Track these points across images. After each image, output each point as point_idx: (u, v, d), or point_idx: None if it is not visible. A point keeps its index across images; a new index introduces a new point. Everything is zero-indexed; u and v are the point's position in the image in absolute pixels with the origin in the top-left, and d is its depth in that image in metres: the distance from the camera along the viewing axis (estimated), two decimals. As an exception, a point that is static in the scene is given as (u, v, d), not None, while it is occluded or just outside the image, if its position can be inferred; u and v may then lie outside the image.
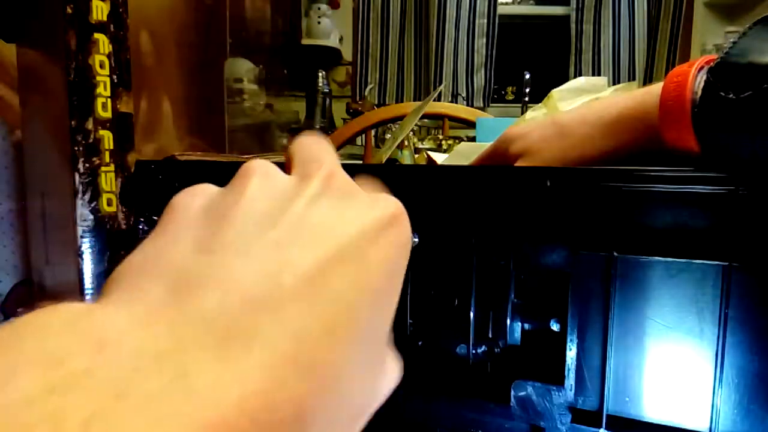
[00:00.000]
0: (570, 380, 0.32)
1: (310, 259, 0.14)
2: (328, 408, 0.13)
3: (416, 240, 0.34)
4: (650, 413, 0.31)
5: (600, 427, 0.31)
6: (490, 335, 0.35)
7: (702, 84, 0.29)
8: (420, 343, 0.36)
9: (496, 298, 0.34)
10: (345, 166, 0.19)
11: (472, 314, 0.35)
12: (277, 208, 0.16)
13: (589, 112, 0.37)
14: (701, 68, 0.30)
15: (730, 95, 0.27)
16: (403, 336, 0.36)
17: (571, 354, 0.32)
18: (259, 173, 0.17)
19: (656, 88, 0.32)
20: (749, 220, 0.28)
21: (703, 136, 0.29)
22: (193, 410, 0.10)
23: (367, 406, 0.16)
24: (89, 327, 0.11)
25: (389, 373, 0.18)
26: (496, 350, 0.35)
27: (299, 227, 0.15)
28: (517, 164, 0.39)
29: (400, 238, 0.18)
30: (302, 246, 0.15)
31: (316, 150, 0.19)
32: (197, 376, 0.11)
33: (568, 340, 0.32)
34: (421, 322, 0.36)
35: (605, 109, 0.36)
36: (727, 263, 0.28)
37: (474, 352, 0.35)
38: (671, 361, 0.30)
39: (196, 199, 0.17)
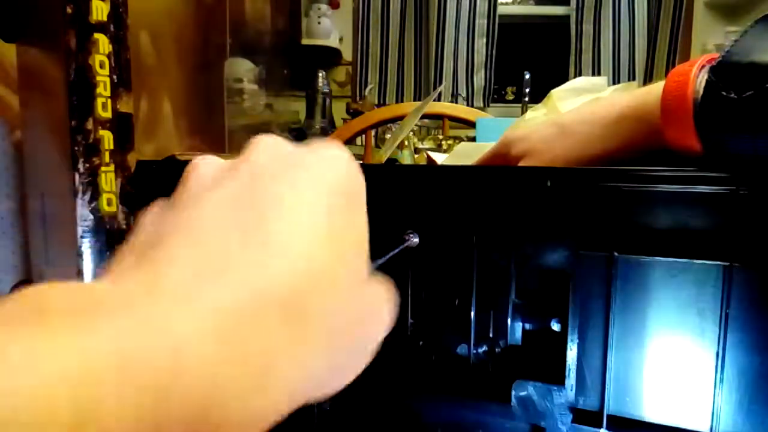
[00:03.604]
0: (571, 380, 0.32)
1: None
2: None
3: (416, 240, 0.34)
4: (651, 413, 0.31)
5: (601, 427, 0.31)
6: (491, 335, 0.35)
7: (703, 83, 0.29)
8: (421, 343, 0.36)
9: (497, 298, 0.34)
10: None
11: (472, 314, 0.35)
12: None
13: (589, 112, 0.37)
14: (702, 67, 0.30)
15: (732, 95, 0.27)
16: (403, 336, 0.36)
17: (571, 354, 0.32)
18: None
19: (657, 87, 0.32)
20: (750, 220, 0.28)
21: (705, 135, 0.29)
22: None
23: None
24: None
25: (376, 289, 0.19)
26: (496, 350, 0.35)
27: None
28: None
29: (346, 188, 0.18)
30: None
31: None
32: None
33: (569, 340, 0.32)
34: (422, 322, 0.36)
35: (606, 109, 0.36)
36: (727, 263, 0.28)
37: (475, 351, 0.35)
38: (672, 361, 0.30)
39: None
